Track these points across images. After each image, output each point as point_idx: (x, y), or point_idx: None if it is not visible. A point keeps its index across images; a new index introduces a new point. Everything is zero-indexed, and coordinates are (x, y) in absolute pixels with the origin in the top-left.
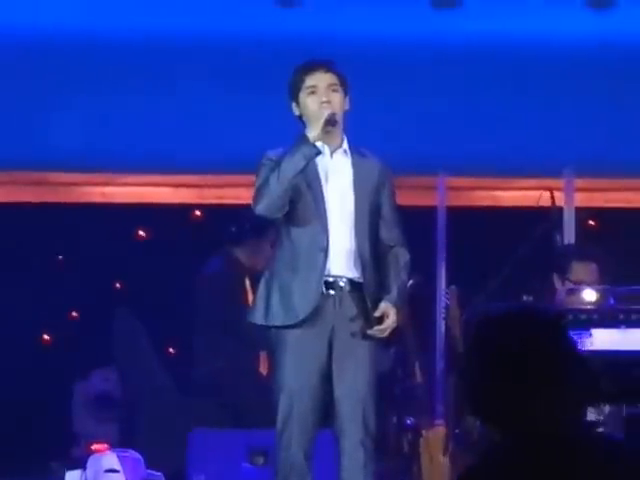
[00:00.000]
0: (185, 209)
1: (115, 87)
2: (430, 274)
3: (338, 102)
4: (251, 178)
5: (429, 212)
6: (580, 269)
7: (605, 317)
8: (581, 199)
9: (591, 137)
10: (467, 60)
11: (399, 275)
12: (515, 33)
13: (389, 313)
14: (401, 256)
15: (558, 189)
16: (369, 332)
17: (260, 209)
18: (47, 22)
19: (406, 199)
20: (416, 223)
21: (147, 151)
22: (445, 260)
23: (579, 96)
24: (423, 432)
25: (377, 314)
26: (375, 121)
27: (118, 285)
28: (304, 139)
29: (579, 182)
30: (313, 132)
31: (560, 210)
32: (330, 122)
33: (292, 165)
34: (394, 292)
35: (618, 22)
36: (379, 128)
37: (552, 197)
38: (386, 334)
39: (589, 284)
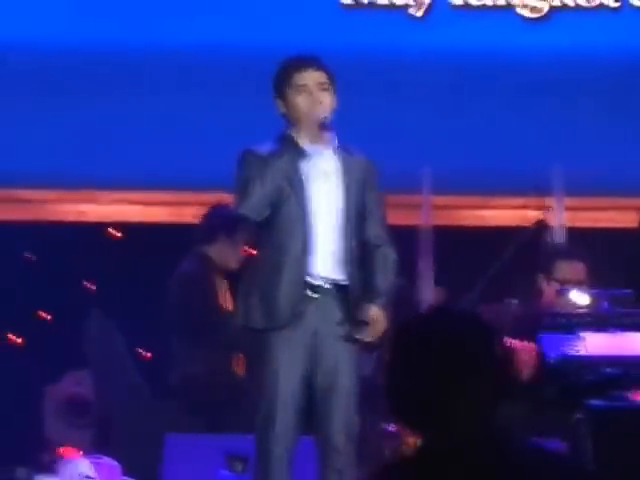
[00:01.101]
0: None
1: (89, 103)
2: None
3: (328, 102)
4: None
5: (410, 232)
6: (566, 268)
7: (598, 321)
8: (567, 218)
9: (578, 155)
10: (451, 76)
11: (387, 277)
12: (498, 46)
13: (379, 317)
14: (389, 256)
15: (545, 208)
16: (357, 336)
17: (242, 211)
18: (16, 36)
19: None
20: (399, 243)
21: (122, 168)
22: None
23: (566, 113)
24: (405, 438)
25: (366, 318)
26: (358, 138)
27: (90, 286)
28: (292, 141)
29: (567, 201)
30: (302, 135)
31: (549, 229)
32: (323, 127)
33: (279, 168)
34: (383, 295)
35: (616, 38)
36: (362, 145)
37: (544, 216)
38: (375, 338)
39: (575, 284)
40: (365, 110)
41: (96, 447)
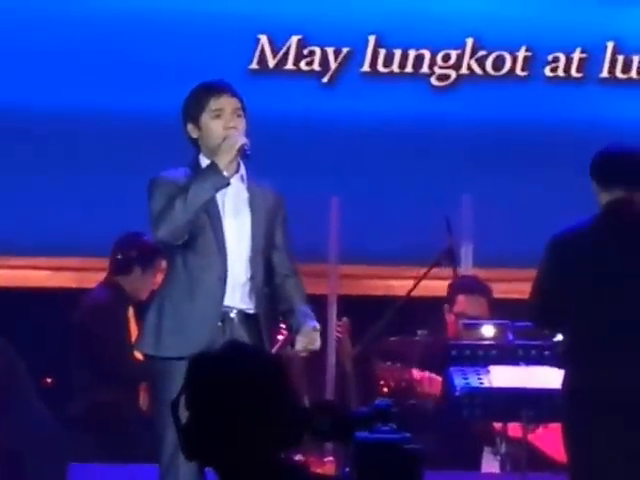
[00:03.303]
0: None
1: None
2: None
3: (243, 128)
4: None
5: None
6: (465, 302)
7: (504, 353)
8: None
9: (487, 225)
10: (359, 142)
11: (304, 302)
12: (406, 113)
13: (316, 334)
14: (300, 285)
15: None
16: (297, 349)
17: (162, 235)
18: None
19: None
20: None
21: (28, 234)
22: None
23: (475, 181)
24: (312, 469)
25: (306, 336)
26: None
27: None
28: (213, 167)
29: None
30: (223, 160)
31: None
32: (243, 153)
33: (201, 194)
34: (311, 315)
35: (525, 107)
36: None
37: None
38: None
39: (474, 318)
40: (270, 175)
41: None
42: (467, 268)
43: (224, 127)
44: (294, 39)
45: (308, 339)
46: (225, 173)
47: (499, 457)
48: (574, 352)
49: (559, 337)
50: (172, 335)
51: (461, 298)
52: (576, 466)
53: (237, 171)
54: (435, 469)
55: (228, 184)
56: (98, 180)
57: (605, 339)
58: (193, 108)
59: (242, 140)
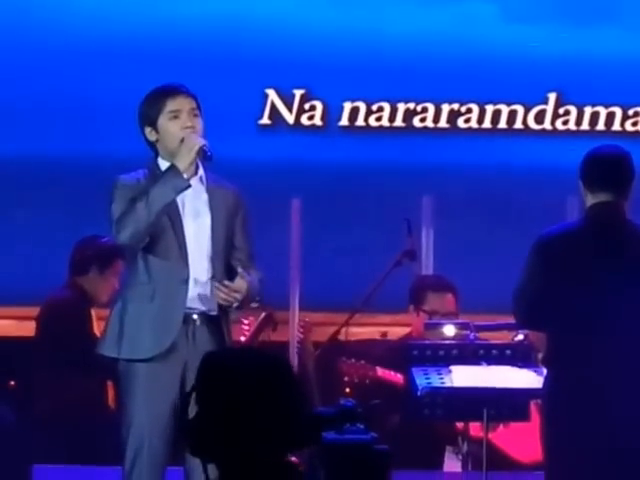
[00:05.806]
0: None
1: None
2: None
3: (200, 128)
4: None
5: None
6: (435, 299)
7: (465, 353)
8: None
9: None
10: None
11: (253, 275)
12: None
13: (242, 285)
14: (255, 272)
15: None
16: (215, 285)
17: (123, 238)
18: None
19: None
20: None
21: None
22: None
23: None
24: None
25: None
26: None
27: None
28: (173, 170)
29: None
30: (183, 163)
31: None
32: (204, 154)
33: (162, 197)
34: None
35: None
36: None
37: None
38: (230, 299)
39: (444, 315)
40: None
41: None
42: (428, 268)
43: (181, 128)
44: None
45: (231, 286)
46: (185, 175)
47: (461, 456)
48: (557, 353)
49: (520, 337)
50: (134, 337)
51: (431, 296)
52: (552, 466)
53: (196, 173)
54: (397, 469)
55: (188, 186)
56: (63, 230)
57: (588, 342)
58: (150, 111)
59: (200, 141)
